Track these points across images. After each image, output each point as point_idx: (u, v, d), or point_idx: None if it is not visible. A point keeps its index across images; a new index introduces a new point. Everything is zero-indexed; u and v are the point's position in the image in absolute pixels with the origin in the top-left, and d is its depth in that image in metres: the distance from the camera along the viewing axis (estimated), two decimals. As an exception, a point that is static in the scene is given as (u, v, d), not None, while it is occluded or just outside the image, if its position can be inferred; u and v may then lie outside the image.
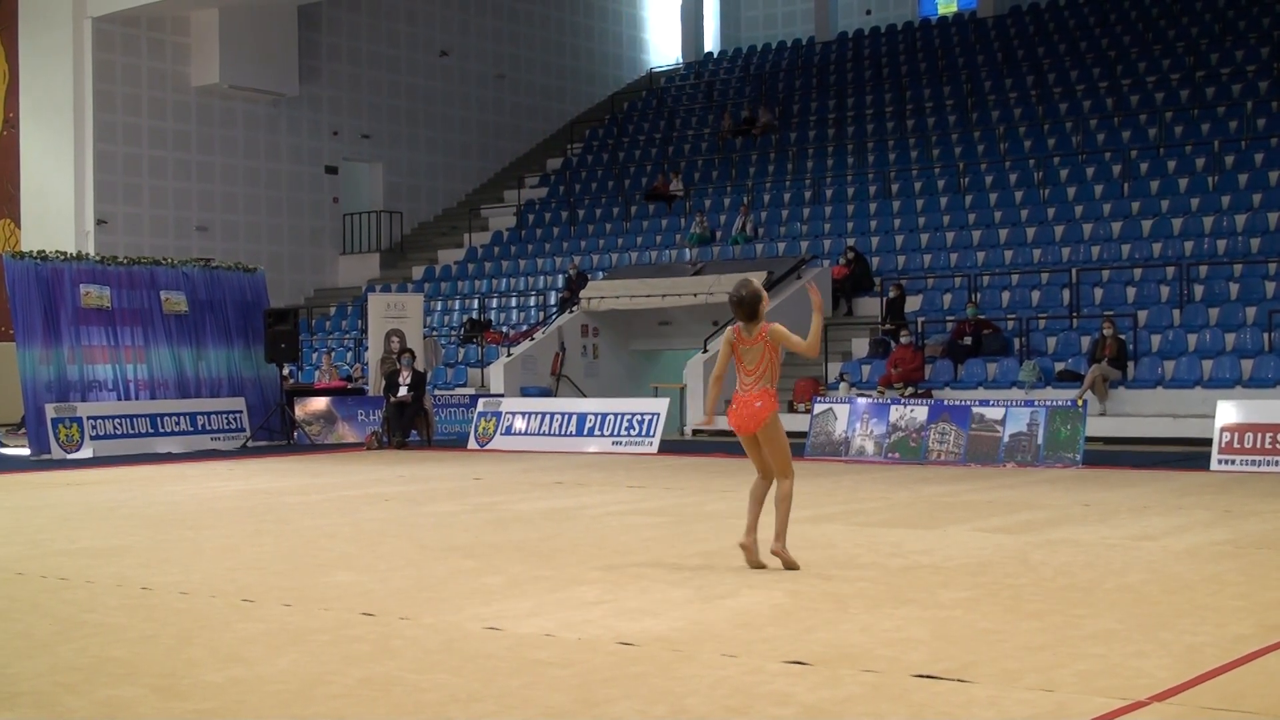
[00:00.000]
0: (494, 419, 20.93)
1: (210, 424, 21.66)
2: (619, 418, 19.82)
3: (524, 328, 27.20)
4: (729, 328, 8.58)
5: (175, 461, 19.00)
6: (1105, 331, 19.97)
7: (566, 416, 20.44)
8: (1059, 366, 20.69)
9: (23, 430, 21.36)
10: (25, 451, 20.17)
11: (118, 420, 20.51)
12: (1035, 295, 23.08)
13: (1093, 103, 30.02)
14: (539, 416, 20.56)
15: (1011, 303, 23.14)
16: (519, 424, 20.74)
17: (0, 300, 24.72)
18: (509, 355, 25.02)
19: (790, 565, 8.22)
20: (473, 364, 26.72)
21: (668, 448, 19.54)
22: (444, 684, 5.45)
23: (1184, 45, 31.23)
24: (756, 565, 8.29)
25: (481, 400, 21.76)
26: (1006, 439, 16.54)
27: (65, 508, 12.70)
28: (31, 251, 21.09)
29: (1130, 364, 20.09)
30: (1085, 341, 21.01)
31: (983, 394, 20.16)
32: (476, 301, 29.37)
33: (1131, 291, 22.28)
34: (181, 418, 21.35)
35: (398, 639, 6.31)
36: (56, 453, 19.48)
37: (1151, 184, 25.48)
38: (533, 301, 28.79)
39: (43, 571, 8.54)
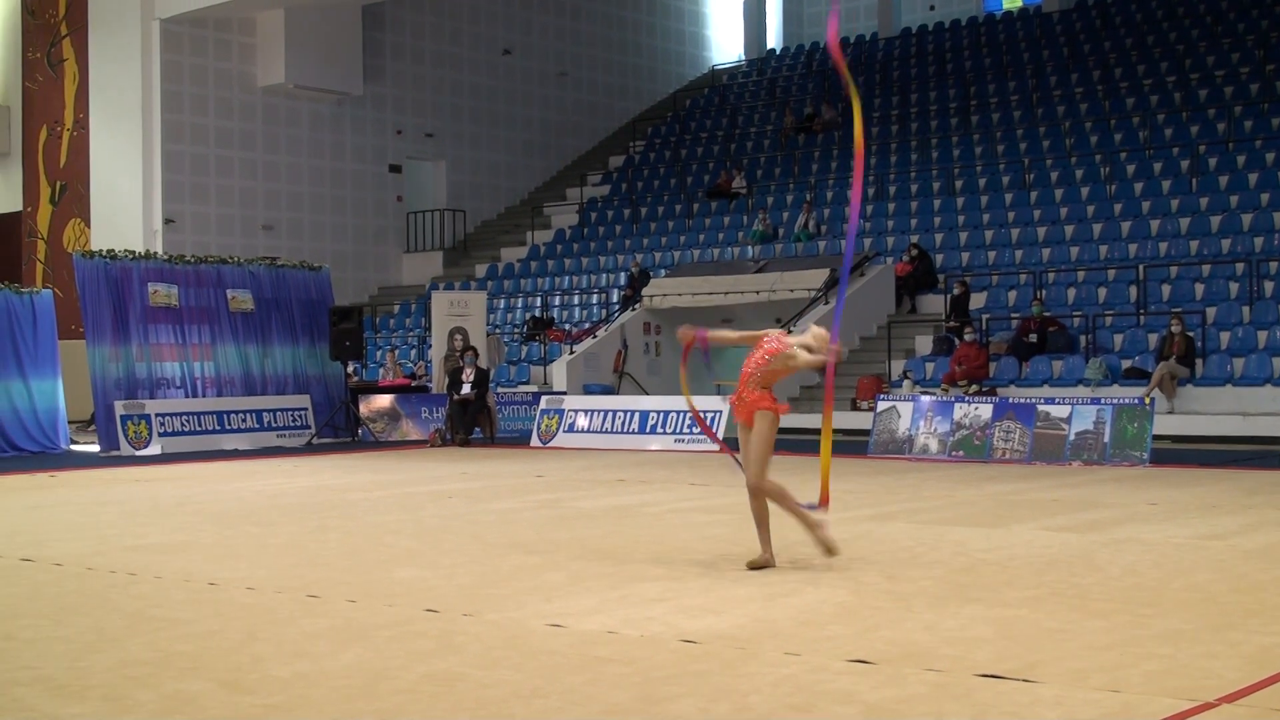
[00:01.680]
0: (556, 416, 20.97)
1: (276, 421, 21.85)
2: (681, 415, 19.81)
3: (586, 325, 27.23)
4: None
5: (241, 458, 19.17)
6: (1173, 328, 19.73)
7: (629, 414, 20.45)
8: (1126, 364, 20.47)
9: (93, 427, 21.63)
10: (95, 448, 20.43)
11: (185, 417, 20.74)
12: (1101, 292, 22.84)
13: (1160, 97, 29.67)
14: (601, 414, 20.58)
15: (1077, 300, 22.91)
16: (581, 421, 20.77)
17: (71, 299, 25.04)
18: (571, 353, 25.06)
19: (831, 548, 8.24)
20: (535, 362, 26.79)
21: (731, 445, 19.48)
22: (506, 680, 5.47)
23: (1253, 38, 30.81)
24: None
25: (544, 398, 21.81)
26: (1072, 437, 16.38)
27: (133, 504, 12.85)
28: (101, 250, 21.36)
29: (1199, 361, 19.84)
30: (1153, 339, 20.77)
31: (1048, 392, 19.98)
32: (539, 299, 29.44)
33: (1200, 288, 22.01)
34: (248, 415, 21.56)
35: (461, 635, 6.34)
36: (125, 449, 19.71)
37: (1220, 179, 25.15)
38: (595, 299, 28.82)
39: (111, 567, 8.65)
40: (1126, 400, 16.70)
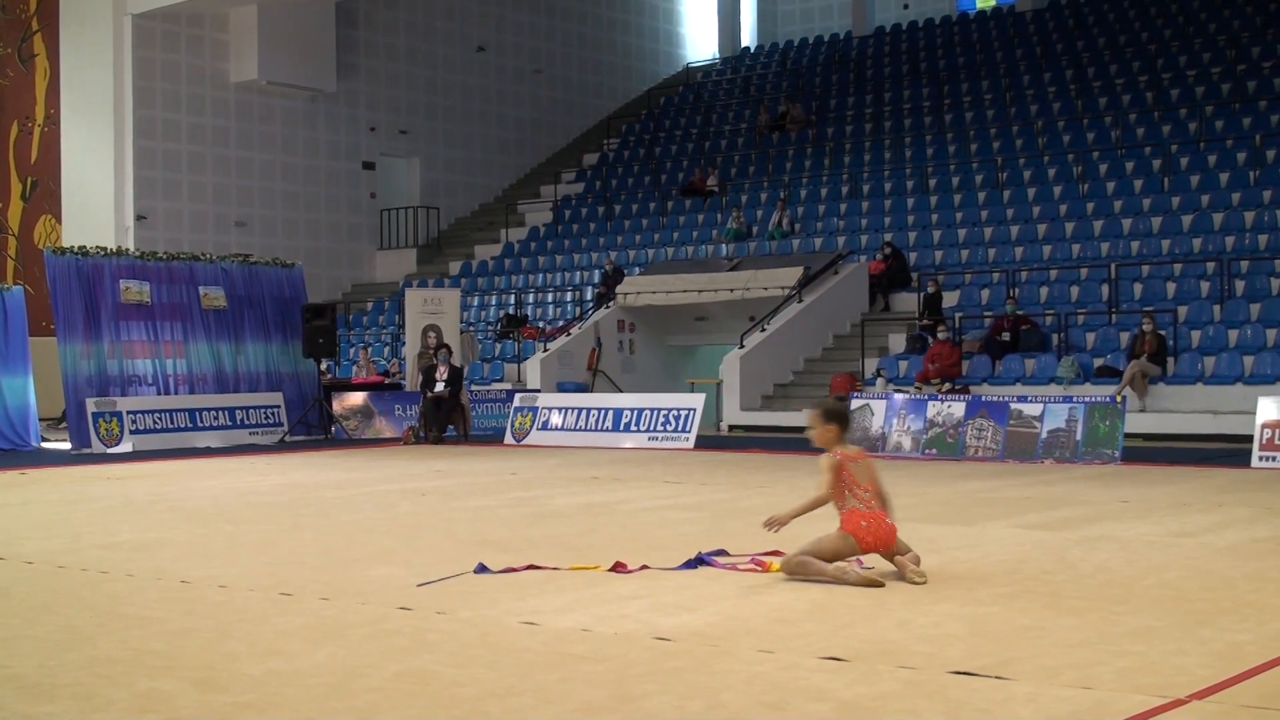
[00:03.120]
0: (530, 414, 20.96)
1: (249, 419, 21.79)
2: (655, 413, 19.82)
3: (560, 323, 27.23)
4: (832, 451, 7.84)
5: (214, 456, 19.10)
6: (1145, 327, 19.84)
7: (603, 412, 20.45)
8: (1098, 362, 20.57)
9: (64, 424, 21.53)
10: (66, 445, 20.32)
11: (157, 415, 20.66)
12: (1074, 291, 22.95)
13: (1132, 97, 29.82)
14: (575, 412, 20.58)
15: (1050, 298, 23.01)
16: (555, 419, 20.76)
17: (42, 295, 24.89)
18: (545, 350, 25.06)
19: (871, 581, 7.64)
20: (509, 359, 26.78)
21: (704, 443, 19.53)
22: (480, 678, 5.46)
23: (1225, 38, 30.99)
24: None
25: (518, 395, 21.80)
26: (1045, 435, 16.45)
27: (105, 501, 12.79)
28: (72, 247, 21.25)
29: (1170, 360, 19.96)
30: (1124, 337, 20.88)
31: (1020, 390, 20.07)
32: (513, 297, 29.43)
33: (1171, 287, 22.13)
34: (220, 412, 21.49)
35: (434, 633, 6.33)
36: (97, 447, 19.63)
37: (1192, 178, 25.29)
38: (569, 297, 28.82)
39: (83, 565, 8.61)
40: (1098, 399, 16.78)
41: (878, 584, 7.43)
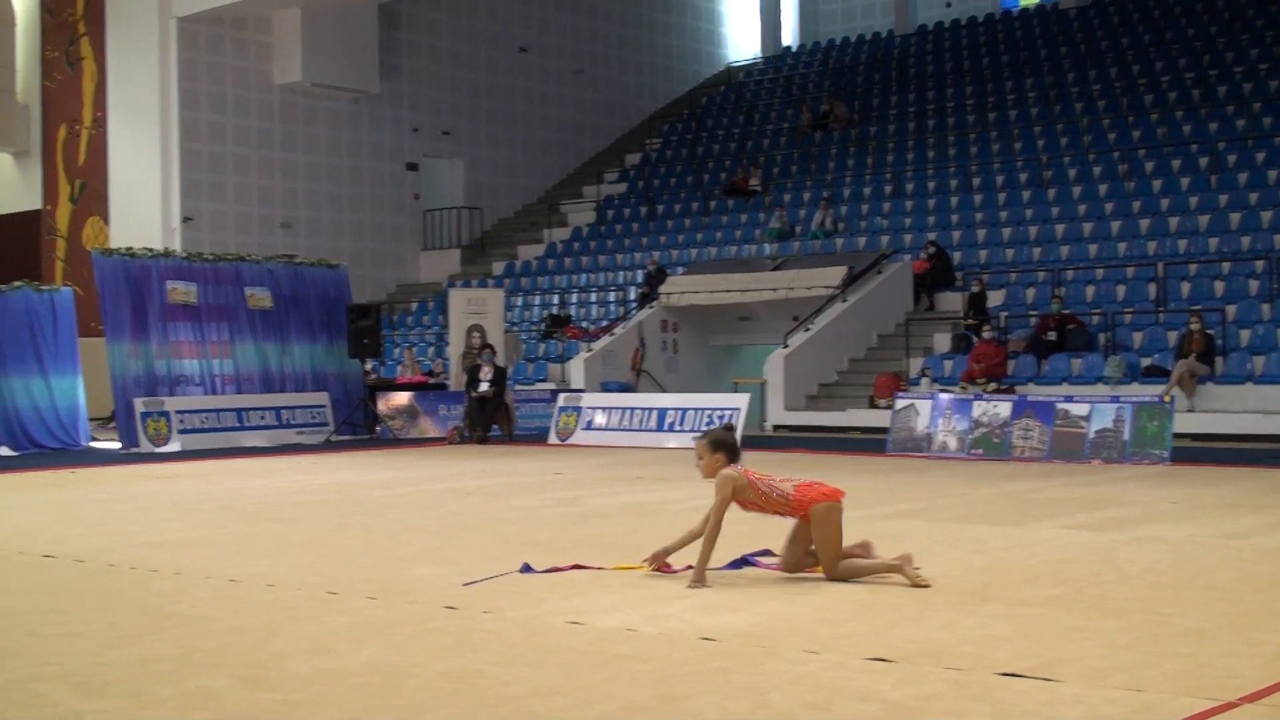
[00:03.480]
0: (574, 414, 20.98)
1: (294, 418, 21.91)
2: (699, 413, 19.81)
3: (604, 323, 27.25)
4: (733, 468, 7.76)
5: (260, 455, 19.22)
6: (1193, 326, 19.67)
7: (647, 412, 20.45)
8: (1145, 362, 20.41)
9: (113, 424, 21.71)
10: (115, 445, 20.50)
11: (204, 415, 20.81)
12: (1121, 290, 22.78)
13: (1178, 94, 29.58)
14: (619, 412, 20.59)
15: (1096, 297, 22.86)
16: (599, 419, 20.78)
17: (90, 296, 25.11)
18: (589, 350, 25.08)
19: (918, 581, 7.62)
20: (553, 359, 26.81)
21: (748, 443, 19.44)
22: (526, 677, 5.48)
23: (1272, 34, 30.70)
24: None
25: (562, 395, 21.83)
26: (1092, 435, 16.34)
27: (153, 500, 12.89)
28: (120, 248, 21.43)
29: (1218, 359, 19.78)
30: (1172, 336, 20.71)
31: (1067, 390, 19.94)
32: (556, 297, 29.47)
33: (1220, 285, 21.93)
34: (266, 412, 21.62)
35: (480, 632, 6.35)
36: (145, 446, 19.79)
37: (1239, 176, 25.06)
38: (612, 297, 28.84)
39: (132, 563, 8.68)
40: (1146, 398, 16.66)
41: (925, 585, 7.42)
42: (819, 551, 7.67)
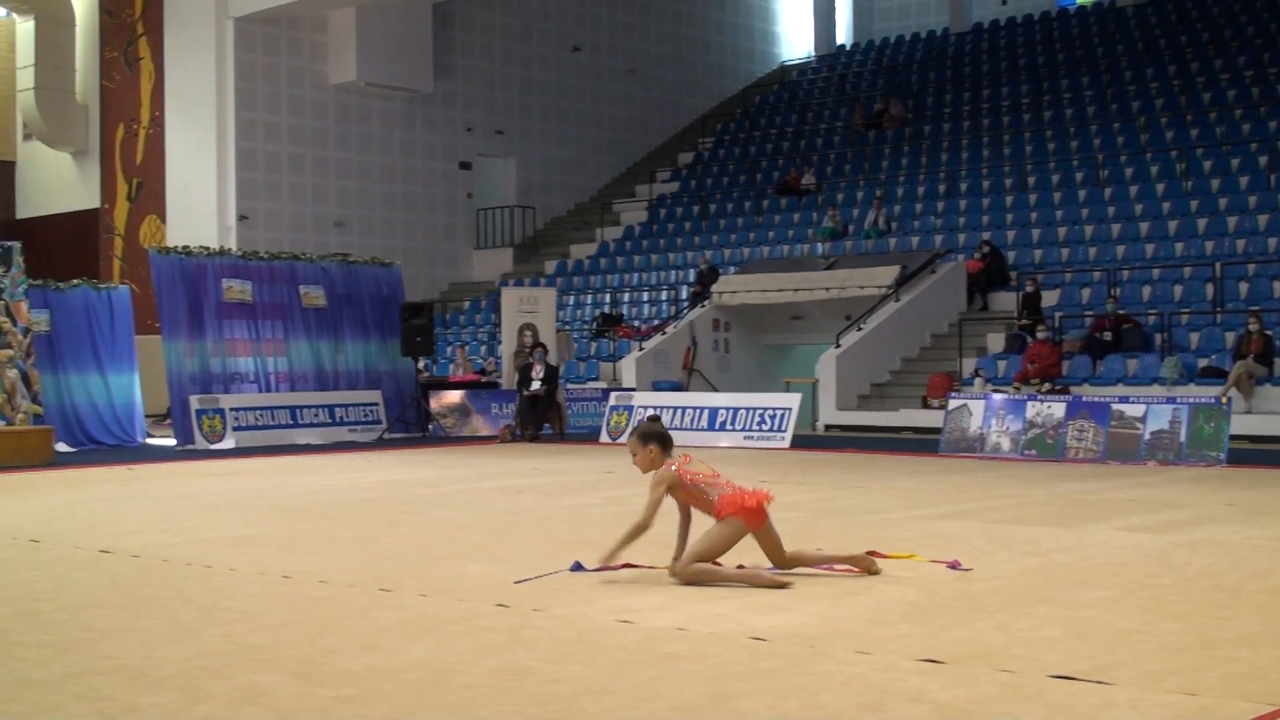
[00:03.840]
0: (626, 413, 20.99)
1: (348, 416, 22.04)
2: (751, 412, 19.77)
3: (655, 322, 27.25)
4: (667, 467, 7.79)
5: (314, 453, 19.34)
6: (1251, 327, 19.46)
7: (698, 411, 20.44)
8: (1202, 363, 20.21)
9: (168, 421, 21.91)
10: (171, 442, 20.69)
11: (258, 412, 20.98)
12: (1177, 290, 22.56)
13: (1237, 91, 29.26)
14: (671, 411, 20.57)
15: (1153, 297, 22.65)
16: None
17: (147, 294, 25.35)
18: (641, 349, 25.08)
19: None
20: (604, 358, 26.85)
21: (800, 443, 19.45)
22: (576, 675, 5.48)
23: (1334, 32, 30.32)
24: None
25: (613, 394, 21.84)
26: (1147, 437, 16.19)
27: (209, 497, 13.00)
28: (176, 247, 21.62)
29: (1277, 360, 19.55)
30: (1229, 337, 20.50)
31: (1122, 390, 19.77)
32: (608, 296, 29.50)
33: (1278, 286, 21.67)
34: (320, 410, 21.76)
35: (530, 630, 6.36)
36: (200, 443, 19.96)
37: (1300, 175, 24.78)
38: (664, 296, 28.84)
39: (187, 559, 8.75)
40: (1203, 399, 16.50)
41: (785, 585, 7.45)
42: (694, 543, 7.67)
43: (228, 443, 20.19)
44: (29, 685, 5.41)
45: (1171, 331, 21.30)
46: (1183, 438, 15.97)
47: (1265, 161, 25.61)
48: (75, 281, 21.37)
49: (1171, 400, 16.62)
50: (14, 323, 18.60)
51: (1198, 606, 6.85)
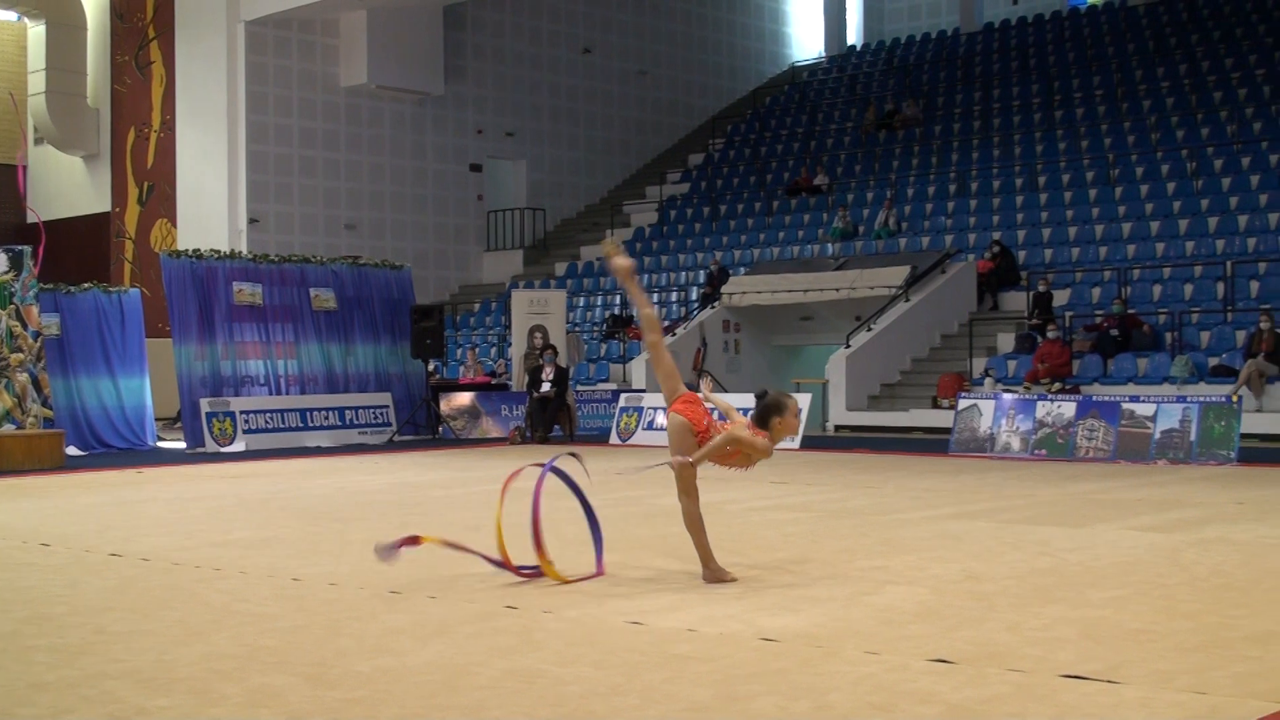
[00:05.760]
0: (636, 414, 21.00)
1: (358, 418, 22.07)
2: (761, 413, 19.73)
3: (666, 323, 27.25)
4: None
5: (324, 455, 19.37)
6: (1262, 325, 19.42)
7: (709, 412, 20.39)
8: (1213, 361, 20.17)
9: (179, 424, 21.95)
10: (181, 445, 20.72)
11: (269, 415, 21.00)
12: (1188, 289, 22.53)
13: (1248, 90, 29.20)
14: (681, 412, 20.55)
15: (1163, 296, 22.61)
16: (661, 419, 20.77)
17: (158, 298, 25.42)
18: (651, 351, 25.04)
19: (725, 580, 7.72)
20: (615, 360, 26.84)
21: (810, 443, 19.44)
22: (587, 677, 5.49)
23: (1345, 30, 30.24)
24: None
25: (623, 396, 21.85)
26: (1158, 436, 16.17)
27: (219, 500, 13.02)
28: (187, 250, 21.66)
29: (1288, 359, 19.52)
30: (1240, 335, 20.46)
31: (1133, 390, 19.74)
32: (619, 297, 29.50)
33: (1289, 284, 21.65)
34: (330, 412, 21.79)
35: (541, 632, 6.36)
36: (210, 446, 19.99)
37: (1311, 173, 24.72)
38: (674, 297, 28.83)
39: (198, 562, 8.77)
40: (1213, 398, 16.47)
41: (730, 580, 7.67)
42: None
43: (238, 446, 20.22)
44: (41, 689, 5.43)
45: (1182, 330, 21.27)
46: (1193, 437, 15.95)
47: (1276, 160, 25.55)
48: (86, 285, 21.43)
49: (1182, 399, 16.60)
50: (25, 327, 18.66)
51: (1208, 605, 6.84)
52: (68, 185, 34.20)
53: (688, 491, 7.74)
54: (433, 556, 8.92)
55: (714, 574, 7.72)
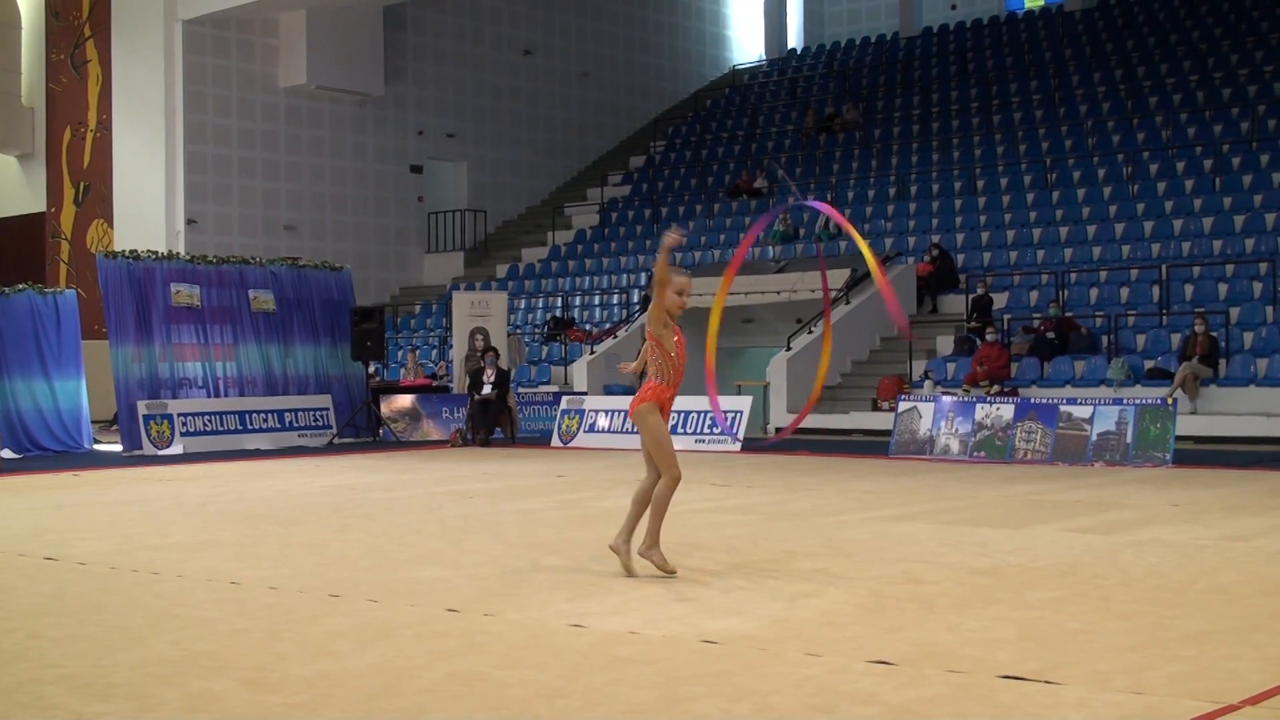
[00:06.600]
0: (577, 416, 20.99)
1: (297, 421, 21.92)
2: (702, 416, 19.80)
3: (607, 325, 27.25)
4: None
5: (263, 458, 19.23)
6: (1196, 329, 19.67)
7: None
8: (1148, 364, 20.41)
9: (115, 426, 21.72)
10: (118, 447, 20.50)
11: (207, 417, 20.82)
12: (1124, 292, 22.77)
13: (1183, 96, 29.57)
14: (622, 414, 20.57)
15: (1100, 299, 22.85)
16: (602, 421, 20.78)
17: (94, 299, 25.14)
18: (592, 353, 25.08)
19: (665, 570, 7.89)
20: (556, 362, 26.82)
21: (751, 446, 19.49)
22: (529, 680, 5.48)
23: (1277, 36, 30.68)
24: (630, 572, 7.96)
25: (565, 398, 21.83)
26: (1094, 438, 16.33)
27: (156, 503, 12.90)
28: (124, 251, 21.44)
29: (1222, 361, 19.77)
30: (1175, 339, 20.71)
31: (1070, 392, 19.94)
32: (560, 299, 29.47)
33: (1223, 288, 21.92)
34: (269, 415, 21.63)
35: (482, 635, 6.35)
36: (148, 449, 19.80)
37: (1244, 178, 25.04)
38: (615, 299, 28.84)
39: (135, 566, 8.69)
40: (1149, 401, 16.65)
41: (630, 571, 7.96)
42: (651, 453, 8.19)
43: (176, 448, 20.04)
44: (-26, 694, 5.36)
45: (1118, 333, 21.50)
46: (1129, 439, 16.12)
47: (1210, 165, 25.88)
48: (21, 286, 21.15)
49: (1118, 401, 16.78)
50: (-42, 328, 18.39)
51: (1145, 606, 6.92)
52: (2, 185, 33.78)
53: (669, 470, 8.04)
54: (372, 559, 8.88)
55: (657, 558, 7.82)
